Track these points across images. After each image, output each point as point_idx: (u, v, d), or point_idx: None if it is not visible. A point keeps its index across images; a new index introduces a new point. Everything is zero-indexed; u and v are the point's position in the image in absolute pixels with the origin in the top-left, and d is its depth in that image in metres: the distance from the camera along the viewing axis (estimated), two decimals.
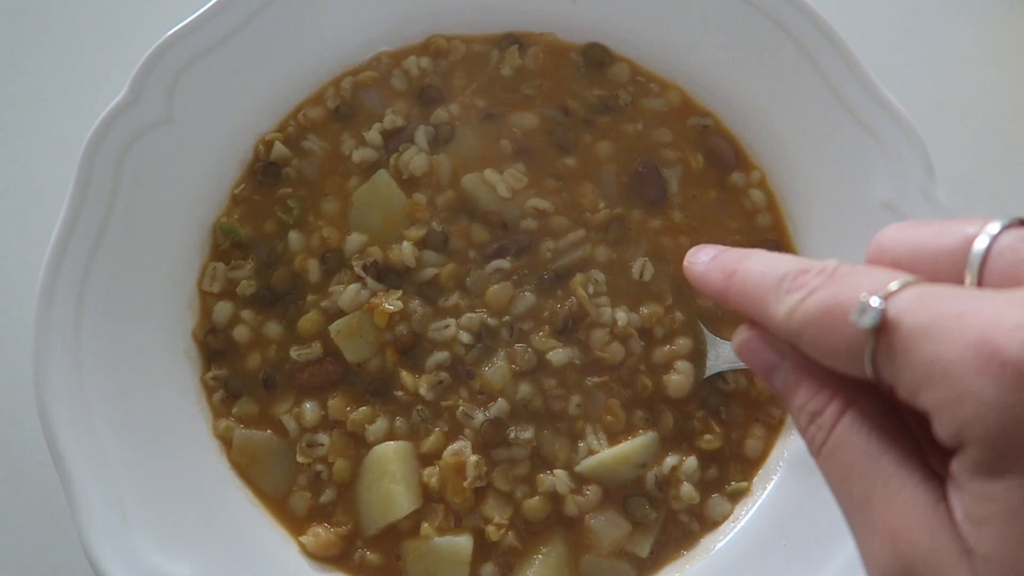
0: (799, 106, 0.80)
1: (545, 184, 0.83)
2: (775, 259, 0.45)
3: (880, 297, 0.37)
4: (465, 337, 0.78)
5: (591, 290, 0.79)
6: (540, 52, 0.86)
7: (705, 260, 0.50)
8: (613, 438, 0.77)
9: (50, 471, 0.69)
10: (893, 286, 0.38)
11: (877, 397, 0.41)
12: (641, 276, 0.80)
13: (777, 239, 0.83)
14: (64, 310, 0.71)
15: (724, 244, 0.82)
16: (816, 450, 0.43)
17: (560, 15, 0.86)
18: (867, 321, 0.37)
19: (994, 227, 0.39)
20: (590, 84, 0.86)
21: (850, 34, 0.77)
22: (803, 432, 0.44)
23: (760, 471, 0.78)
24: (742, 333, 0.47)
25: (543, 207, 0.82)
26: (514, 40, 0.87)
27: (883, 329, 0.37)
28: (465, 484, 0.74)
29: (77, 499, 0.67)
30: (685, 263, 0.52)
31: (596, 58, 0.86)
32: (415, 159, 0.82)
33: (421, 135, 0.83)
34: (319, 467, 0.76)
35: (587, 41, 0.87)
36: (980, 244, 0.39)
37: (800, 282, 0.42)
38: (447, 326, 0.78)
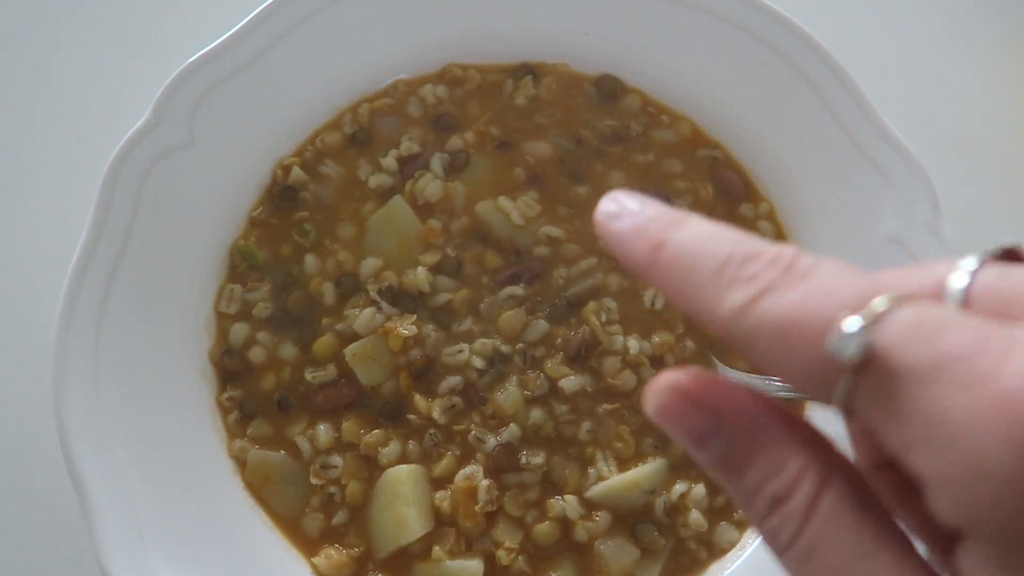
0: (808, 140, 0.82)
1: (558, 212, 0.84)
2: (714, 233, 0.34)
3: (863, 319, 0.28)
4: (478, 362, 0.79)
5: (604, 318, 0.80)
6: (554, 82, 0.88)
7: (624, 218, 0.36)
8: (623, 464, 0.78)
9: (66, 489, 0.70)
10: (879, 304, 0.29)
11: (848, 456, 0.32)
12: (653, 304, 0.82)
13: None
14: (83, 330, 0.72)
15: None
16: (782, 549, 0.31)
17: (574, 47, 0.88)
18: (849, 352, 0.28)
19: (970, 263, 0.31)
20: (602, 115, 0.88)
21: (858, 71, 0.79)
22: (759, 524, 0.32)
23: None
24: (658, 394, 0.35)
25: (556, 235, 0.83)
26: (528, 70, 0.88)
27: (869, 363, 0.28)
28: (476, 508, 0.75)
29: (94, 516, 0.68)
30: (598, 214, 0.36)
31: (608, 89, 0.88)
32: (430, 185, 0.83)
33: (436, 162, 0.85)
34: (332, 489, 0.77)
35: (600, 72, 0.88)
36: (957, 283, 0.30)
37: (748, 272, 0.32)
38: (460, 351, 0.79)
